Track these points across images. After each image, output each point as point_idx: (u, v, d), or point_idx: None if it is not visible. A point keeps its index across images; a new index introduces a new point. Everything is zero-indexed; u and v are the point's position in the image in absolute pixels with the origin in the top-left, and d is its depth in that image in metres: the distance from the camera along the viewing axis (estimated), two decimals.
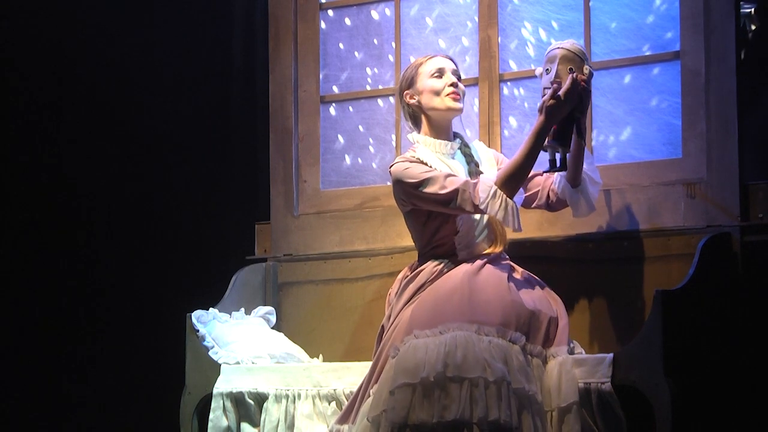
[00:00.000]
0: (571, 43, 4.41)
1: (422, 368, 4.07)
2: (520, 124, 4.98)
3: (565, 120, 4.32)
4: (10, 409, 6.07)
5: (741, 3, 4.59)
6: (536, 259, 4.74)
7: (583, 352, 4.32)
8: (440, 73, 4.57)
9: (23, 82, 6.15)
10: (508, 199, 4.32)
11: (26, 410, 6.05)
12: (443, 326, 4.16)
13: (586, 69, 4.36)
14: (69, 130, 6.06)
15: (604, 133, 4.84)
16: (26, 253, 6.11)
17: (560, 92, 4.28)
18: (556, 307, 4.37)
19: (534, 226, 4.80)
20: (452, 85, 4.55)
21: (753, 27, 4.64)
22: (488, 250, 4.49)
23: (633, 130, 4.79)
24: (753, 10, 4.60)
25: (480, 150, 4.68)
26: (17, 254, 6.12)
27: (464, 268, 4.38)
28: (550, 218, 4.78)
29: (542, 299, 4.36)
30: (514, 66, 5.01)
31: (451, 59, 4.62)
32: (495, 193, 4.32)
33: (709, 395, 4.21)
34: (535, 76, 4.90)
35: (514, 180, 4.34)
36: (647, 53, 4.77)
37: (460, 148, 4.60)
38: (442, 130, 4.59)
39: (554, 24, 4.95)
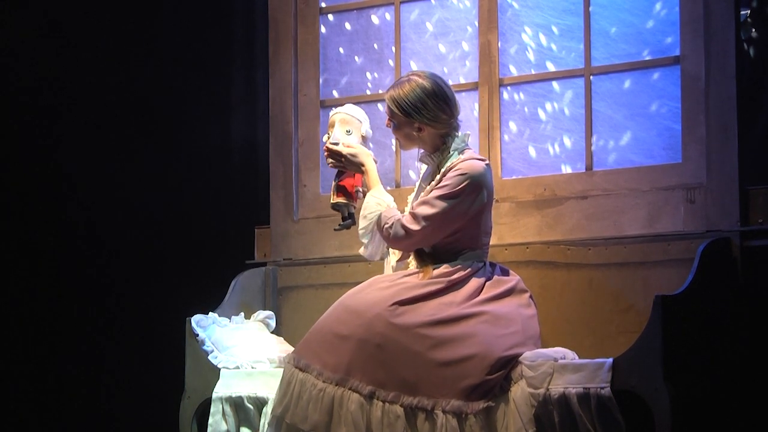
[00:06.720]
0: (348, 106, 4.71)
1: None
2: (520, 128, 4.98)
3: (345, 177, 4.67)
4: (9, 411, 6.06)
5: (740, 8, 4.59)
6: (536, 263, 4.74)
7: (576, 357, 4.31)
8: None
9: (21, 84, 6.15)
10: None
11: (25, 414, 6.05)
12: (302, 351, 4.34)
13: (363, 131, 4.67)
14: (69, 131, 6.06)
15: (603, 138, 4.83)
16: (24, 257, 6.11)
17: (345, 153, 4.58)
18: (479, 348, 4.17)
19: (534, 230, 4.80)
20: None
21: (753, 31, 4.63)
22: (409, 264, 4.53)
23: (633, 134, 4.79)
24: (748, 13, 4.59)
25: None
26: (15, 258, 6.12)
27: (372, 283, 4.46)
28: (550, 223, 4.78)
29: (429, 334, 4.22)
30: (514, 71, 5.01)
31: (389, 96, 4.52)
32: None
33: (708, 400, 4.21)
34: (536, 81, 4.92)
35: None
36: (647, 58, 4.78)
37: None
38: None
39: (554, 29, 4.95)
